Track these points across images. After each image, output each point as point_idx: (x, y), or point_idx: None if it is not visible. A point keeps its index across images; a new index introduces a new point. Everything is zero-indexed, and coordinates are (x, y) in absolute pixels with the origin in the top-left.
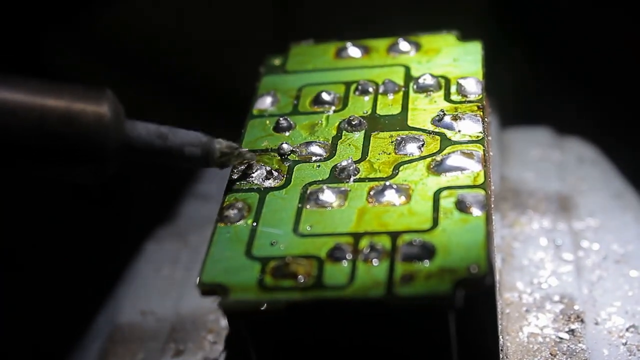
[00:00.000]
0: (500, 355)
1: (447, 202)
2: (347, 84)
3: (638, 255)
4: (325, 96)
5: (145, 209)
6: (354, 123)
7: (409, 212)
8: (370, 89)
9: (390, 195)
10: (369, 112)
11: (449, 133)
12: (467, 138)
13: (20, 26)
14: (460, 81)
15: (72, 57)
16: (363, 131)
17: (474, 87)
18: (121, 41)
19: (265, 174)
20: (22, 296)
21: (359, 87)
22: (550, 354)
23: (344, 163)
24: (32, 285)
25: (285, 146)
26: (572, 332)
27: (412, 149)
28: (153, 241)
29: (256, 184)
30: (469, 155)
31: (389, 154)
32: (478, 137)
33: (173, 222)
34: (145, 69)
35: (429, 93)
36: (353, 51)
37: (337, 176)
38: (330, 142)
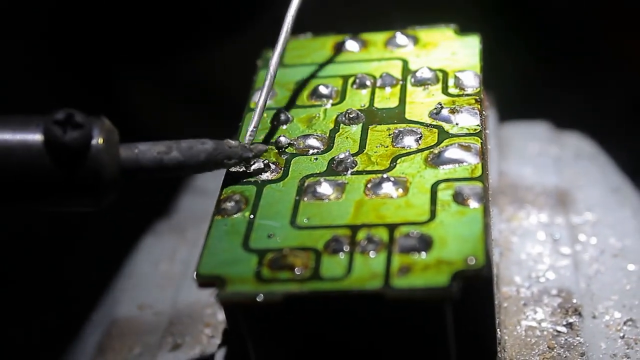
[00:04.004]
0: (498, 349)
1: (444, 194)
2: (345, 78)
3: (635, 249)
4: (322, 89)
5: (143, 203)
6: (351, 116)
7: (407, 205)
8: (368, 83)
9: (388, 188)
10: (366, 106)
11: (446, 126)
12: (465, 131)
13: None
14: (458, 74)
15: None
16: (360, 124)
17: (472, 80)
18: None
19: (262, 166)
20: (20, 289)
21: (357, 81)
22: (548, 347)
23: (342, 156)
24: (30, 278)
25: (282, 139)
26: (569, 325)
27: (409, 141)
28: (151, 235)
29: (253, 177)
30: (467, 148)
31: (387, 146)
32: (476, 130)
33: (171, 216)
34: None
35: (426, 86)
36: (351, 45)
37: (335, 169)
38: (327, 135)
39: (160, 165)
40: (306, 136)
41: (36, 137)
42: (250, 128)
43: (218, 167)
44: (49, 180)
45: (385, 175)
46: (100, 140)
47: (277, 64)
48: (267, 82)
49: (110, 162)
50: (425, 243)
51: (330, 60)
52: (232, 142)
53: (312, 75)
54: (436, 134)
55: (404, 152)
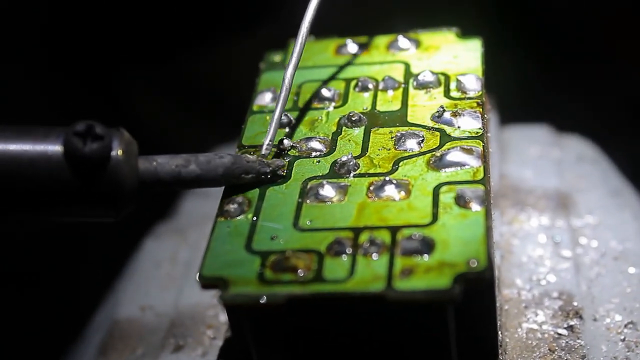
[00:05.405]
0: (499, 351)
1: (446, 197)
2: (347, 81)
3: (636, 252)
4: (325, 92)
5: (145, 205)
6: (353, 119)
7: (409, 207)
8: (370, 86)
9: (390, 190)
10: (368, 109)
11: (448, 129)
12: (467, 134)
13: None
14: (460, 78)
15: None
16: (363, 127)
17: (473, 83)
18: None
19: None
20: (22, 290)
21: (359, 84)
22: (549, 349)
23: (344, 158)
24: (32, 280)
25: (285, 142)
26: (570, 328)
27: (411, 144)
28: (152, 238)
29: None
30: (469, 151)
31: (389, 149)
32: (477, 133)
33: (172, 218)
34: None
35: (428, 89)
36: (353, 48)
37: (337, 171)
38: (330, 137)
39: (178, 179)
40: (309, 139)
41: (56, 148)
42: (267, 140)
43: (235, 181)
44: (68, 191)
45: (387, 178)
46: (120, 152)
47: (292, 74)
48: (282, 94)
49: (129, 174)
50: (428, 245)
51: (332, 63)
52: (250, 157)
53: (315, 78)
54: (438, 137)
55: (406, 155)
